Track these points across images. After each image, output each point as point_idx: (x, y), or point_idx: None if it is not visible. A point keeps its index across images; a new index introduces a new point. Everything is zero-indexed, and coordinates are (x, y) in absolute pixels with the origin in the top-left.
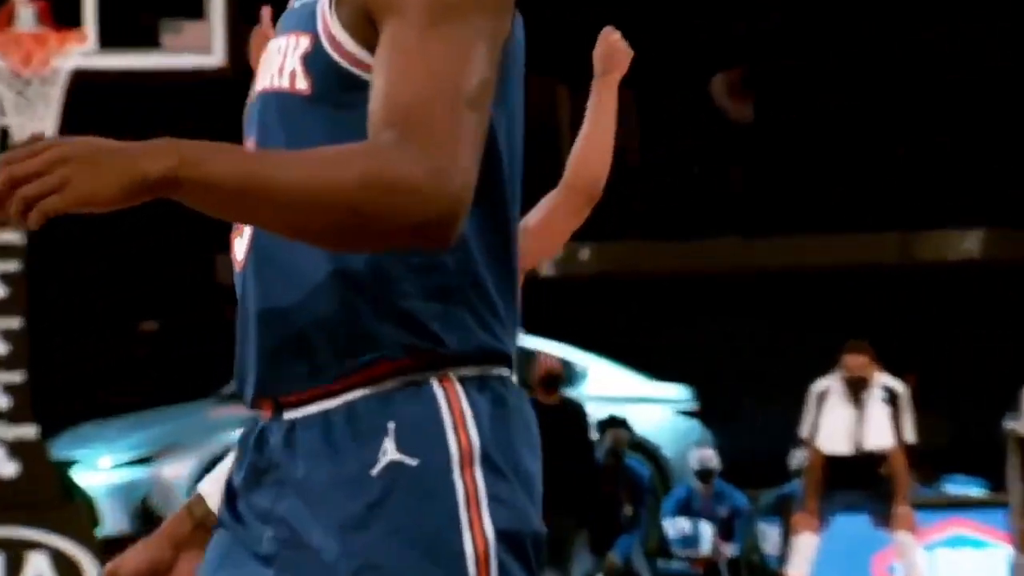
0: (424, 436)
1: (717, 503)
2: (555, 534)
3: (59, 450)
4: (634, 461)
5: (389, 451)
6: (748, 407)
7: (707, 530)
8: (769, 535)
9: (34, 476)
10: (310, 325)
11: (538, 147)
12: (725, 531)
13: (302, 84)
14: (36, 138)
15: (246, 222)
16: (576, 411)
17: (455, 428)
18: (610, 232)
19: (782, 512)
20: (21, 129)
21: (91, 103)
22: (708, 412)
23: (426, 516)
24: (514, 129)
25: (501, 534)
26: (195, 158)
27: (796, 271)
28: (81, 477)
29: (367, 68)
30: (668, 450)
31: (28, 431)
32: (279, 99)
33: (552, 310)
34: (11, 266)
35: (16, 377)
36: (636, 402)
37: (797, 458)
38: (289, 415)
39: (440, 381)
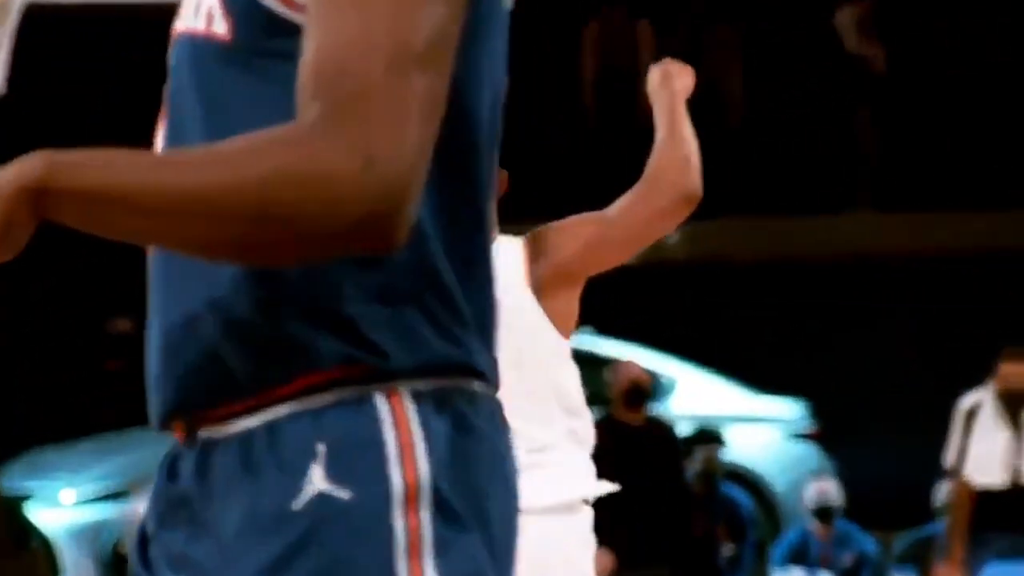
0: (360, 463)
1: (839, 548)
2: None
3: (10, 481)
4: (731, 487)
5: (316, 480)
6: (878, 428)
7: None
8: None
9: None
10: (224, 326)
11: (617, 92)
12: None
13: (220, 27)
14: None
15: (142, 240)
16: (666, 433)
17: (400, 455)
18: (705, 209)
19: (920, 560)
20: None
21: (50, 43)
22: (828, 435)
23: (355, 564)
24: (488, 88)
25: None
26: (69, 165)
27: (941, 255)
28: (38, 515)
29: (301, 9)
30: (778, 483)
31: None
32: (194, 45)
33: (633, 306)
34: None
35: None
36: (737, 421)
37: (940, 493)
38: (204, 436)
39: (387, 396)
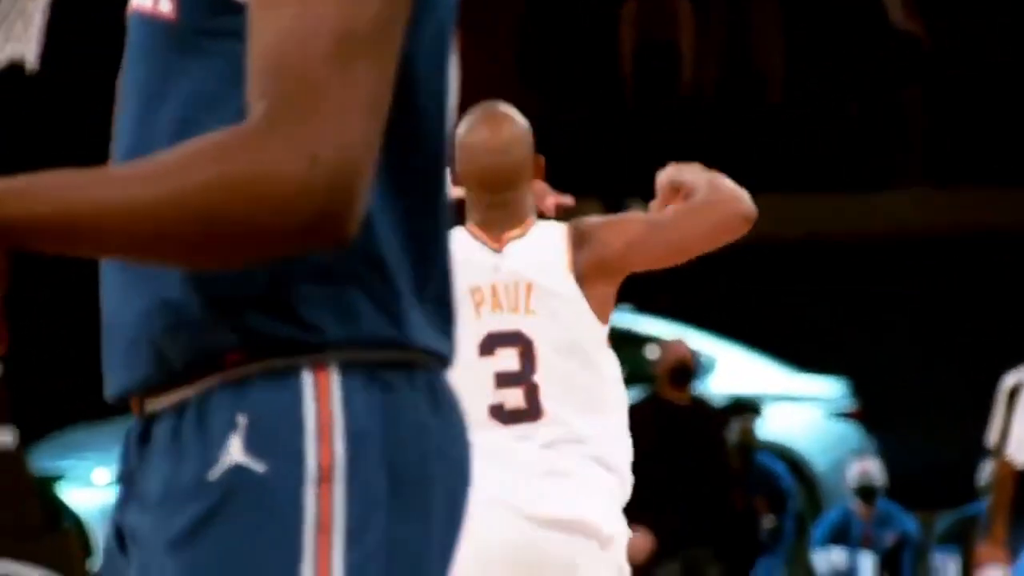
0: (278, 438)
1: (881, 528)
2: (684, 568)
3: (42, 461)
4: (766, 457)
5: (234, 452)
6: (920, 408)
7: (867, 563)
8: (946, 569)
9: (10, 494)
10: (160, 306)
11: (656, 68)
12: (890, 564)
13: (165, 6)
14: (15, 65)
15: (100, 256)
16: (711, 413)
17: (318, 432)
18: (744, 183)
19: (963, 539)
20: None
21: (85, 16)
22: (870, 413)
23: (262, 538)
24: (435, 61)
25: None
26: (15, 193)
27: (984, 234)
28: (70, 495)
29: None
30: (818, 462)
31: (3, 437)
32: (143, 23)
33: (672, 284)
34: None
35: None
36: (777, 400)
37: (983, 472)
38: (149, 411)
39: (314, 370)
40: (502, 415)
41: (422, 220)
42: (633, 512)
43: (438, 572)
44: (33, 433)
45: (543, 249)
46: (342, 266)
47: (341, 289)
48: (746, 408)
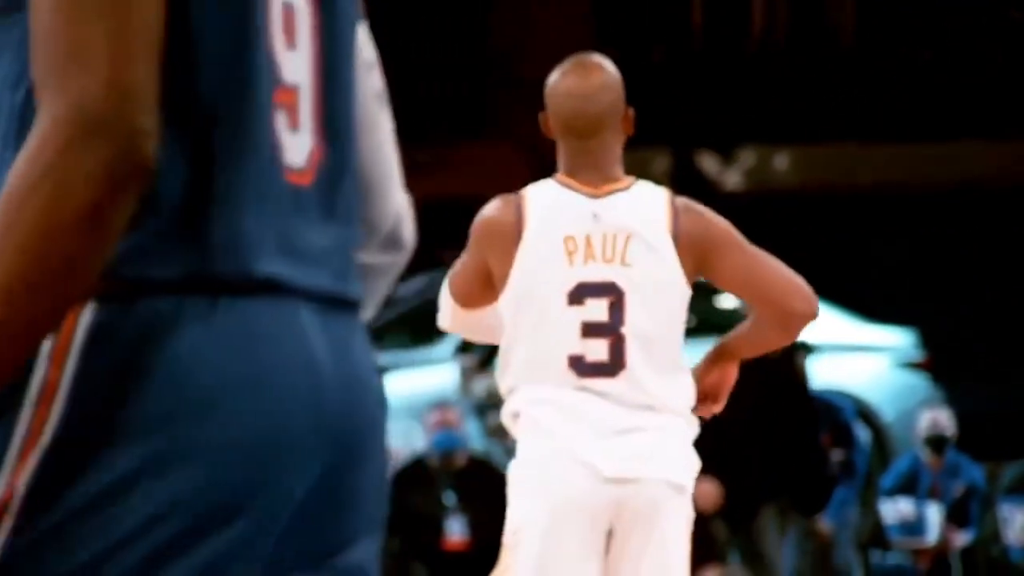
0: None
1: (949, 479)
2: (779, 512)
3: None
4: (829, 393)
5: None
6: (989, 357)
7: (934, 514)
8: (1013, 520)
9: None
10: None
11: (727, 16)
12: (958, 515)
13: None
14: None
15: (34, 336)
16: (795, 364)
17: (50, 356)
18: (816, 133)
19: None
20: None
21: None
22: (940, 364)
23: None
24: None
25: (36, 497)
26: None
27: None
28: None
29: None
30: (887, 412)
31: None
32: None
33: (743, 233)
34: None
35: None
36: (846, 350)
37: None
38: None
39: None
40: (581, 366)
41: (198, 151)
42: (722, 462)
43: (209, 492)
44: None
45: (646, 205)
46: None
47: None
48: (797, 345)
